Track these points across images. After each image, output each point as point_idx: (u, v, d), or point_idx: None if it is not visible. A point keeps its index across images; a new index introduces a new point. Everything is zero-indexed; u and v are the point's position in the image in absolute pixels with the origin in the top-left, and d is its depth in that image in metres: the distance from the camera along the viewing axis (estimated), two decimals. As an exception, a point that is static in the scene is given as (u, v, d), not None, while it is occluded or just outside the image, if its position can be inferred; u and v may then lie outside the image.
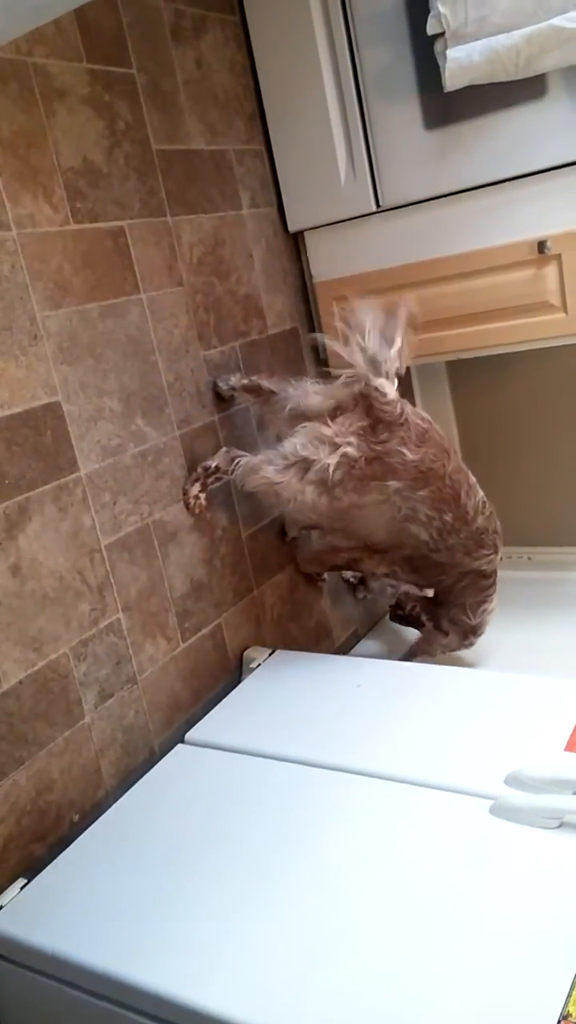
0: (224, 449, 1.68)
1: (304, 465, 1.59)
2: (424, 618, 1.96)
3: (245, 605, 1.86)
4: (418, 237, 1.89)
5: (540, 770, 1.23)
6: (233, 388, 1.77)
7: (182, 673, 1.68)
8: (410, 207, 1.89)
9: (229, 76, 1.88)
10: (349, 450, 1.56)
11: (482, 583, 1.84)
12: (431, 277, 1.90)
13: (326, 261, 2.03)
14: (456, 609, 1.88)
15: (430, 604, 1.96)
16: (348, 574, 2.21)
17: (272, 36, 1.90)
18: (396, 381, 1.56)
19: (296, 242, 2.08)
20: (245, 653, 1.83)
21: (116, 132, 1.59)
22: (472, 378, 2.37)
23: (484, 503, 1.73)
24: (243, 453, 1.66)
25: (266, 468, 1.61)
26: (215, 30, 1.84)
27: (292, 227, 2.03)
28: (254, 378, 1.76)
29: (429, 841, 1.19)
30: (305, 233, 2.04)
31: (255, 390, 1.75)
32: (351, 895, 1.12)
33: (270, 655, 1.81)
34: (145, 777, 1.47)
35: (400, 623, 2.03)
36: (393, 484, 1.61)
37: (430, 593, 1.96)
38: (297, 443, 1.59)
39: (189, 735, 1.57)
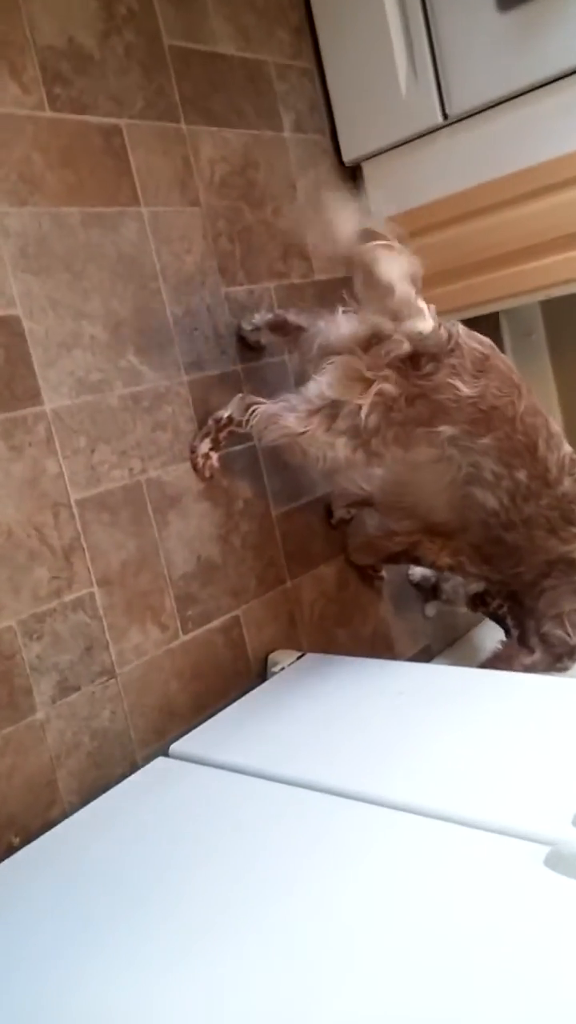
0: (239, 396, 1.36)
1: (332, 410, 1.25)
2: (510, 623, 1.56)
3: (274, 599, 1.52)
4: (494, 149, 1.55)
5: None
6: (257, 327, 1.45)
7: (180, 672, 1.35)
8: (482, 114, 1.55)
9: (269, -22, 1.61)
10: (386, 386, 1.21)
11: (577, 579, 1.43)
12: (512, 196, 1.54)
13: (387, 194, 1.71)
14: (550, 622, 1.47)
15: (518, 607, 1.56)
16: (416, 575, 1.83)
17: None
18: (424, 308, 1.20)
19: (354, 177, 1.76)
20: (270, 656, 1.48)
21: (115, 16, 1.33)
22: None
23: (574, 462, 1.34)
24: (260, 400, 1.33)
25: (287, 416, 1.28)
26: None
27: (347, 157, 1.72)
28: (280, 311, 1.45)
29: (452, 899, 0.80)
30: (363, 165, 1.73)
31: (281, 326, 1.43)
32: (344, 957, 0.75)
33: (299, 658, 1.45)
34: (108, 793, 1.15)
35: (487, 616, 1.64)
36: (446, 430, 1.25)
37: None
38: (323, 383, 1.26)
39: (175, 747, 1.23)
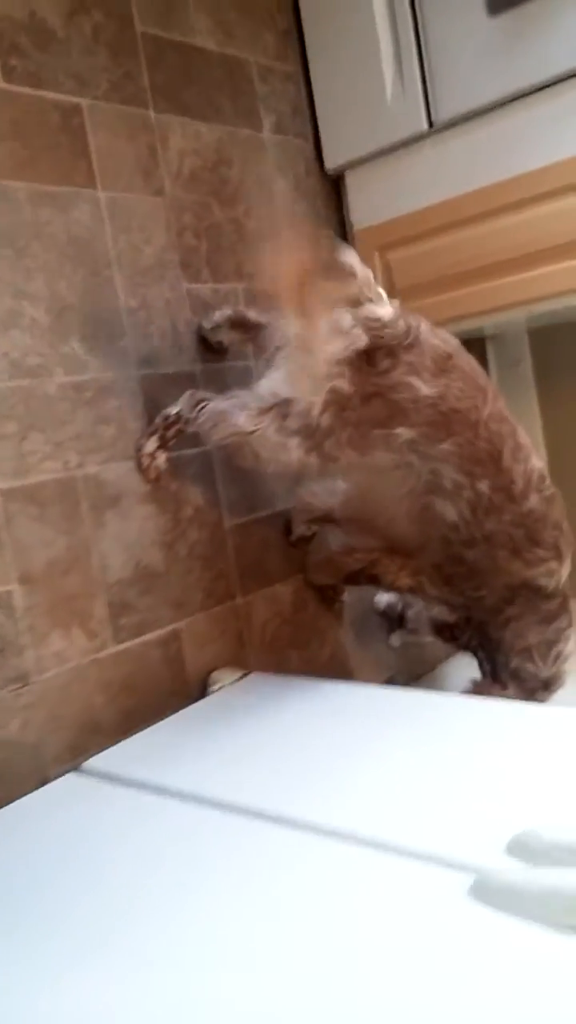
0: (189, 392, 1.28)
1: (283, 409, 1.17)
2: (481, 656, 1.46)
3: (221, 614, 1.42)
4: (480, 158, 1.49)
5: (564, 832, 0.73)
6: (217, 324, 1.38)
7: (107, 684, 1.25)
8: (469, 123, 1.49)
9: (256, -23, 1.56)
10: (339, 383, 1.13)
11: (544, 607, 1.34)
12: (497, 206, 1.47)
13: (369, 204, 1.65)
14: (518, 656, 1.38)
15: (487, 640, 1.46)
16: (382, 602, 1.73)
17: None
18: (384, 295, 1.14)
19: (337, 188, 1.70)
20: (212, 674, 1.38)
21: (83, -5, 1.28)
22: (570, 365, 1.91)
23: (542, 478, 1.25)
24: (210, 396, 1.25)
25: (236, 414, 1.20)
26: None
27: (330, 164, 1.66)
28: (241, 309, 1.37)
29: (360, 929, 0.70)
30: (346, 174, 1.67)
31: (241, 323, 1.36)
32: (238, 988, 0.64)
33: (242, 677, 1.36)
34: (7, 808, 1.04)
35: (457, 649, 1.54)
36: (403, 432, 1.16)
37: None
38: (275, 379, 1.18)
39: (89, 763, 1.13)
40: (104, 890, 0.83)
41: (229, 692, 1.31)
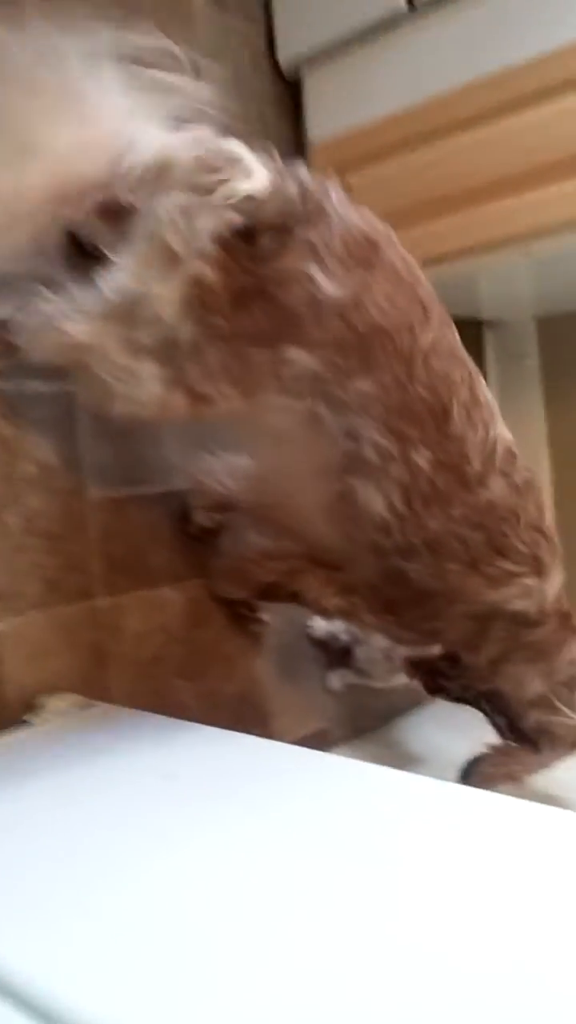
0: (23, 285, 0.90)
1: (131, 312, 0.79)
2: (486, 708, 1.04)
3: (72, 618, 1.03)
4: (469, 44, 1.14)
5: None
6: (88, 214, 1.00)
7: None
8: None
9: None
10: (202, 269, 0.75)
11: (532, 640, 0.94)
12: (490, 106, 1.11)
13: (332, 110, 1.29)
14: (536, 710, 1.00)
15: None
16: (320, 629, 1.33)
17: None
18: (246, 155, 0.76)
19: (294, 96, 1.35)
20: (39, 699, 0.98)
21: None
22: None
23: (511, 455, 0.85)
24: (49, 295, 0.87)
25: (68, 320, 0.82)
26: None
27: (285, 55, 1.31)
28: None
29: None
30: (304, 77, 1.31)
31: (113, 211, 0.98)
32: None
33: (83, 708, 0.95)
34: None
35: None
36: (298, 357, 0.77)
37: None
38: (123, 269, 0.80)
39: None
40: None
41: (48, 727, 0.90)
